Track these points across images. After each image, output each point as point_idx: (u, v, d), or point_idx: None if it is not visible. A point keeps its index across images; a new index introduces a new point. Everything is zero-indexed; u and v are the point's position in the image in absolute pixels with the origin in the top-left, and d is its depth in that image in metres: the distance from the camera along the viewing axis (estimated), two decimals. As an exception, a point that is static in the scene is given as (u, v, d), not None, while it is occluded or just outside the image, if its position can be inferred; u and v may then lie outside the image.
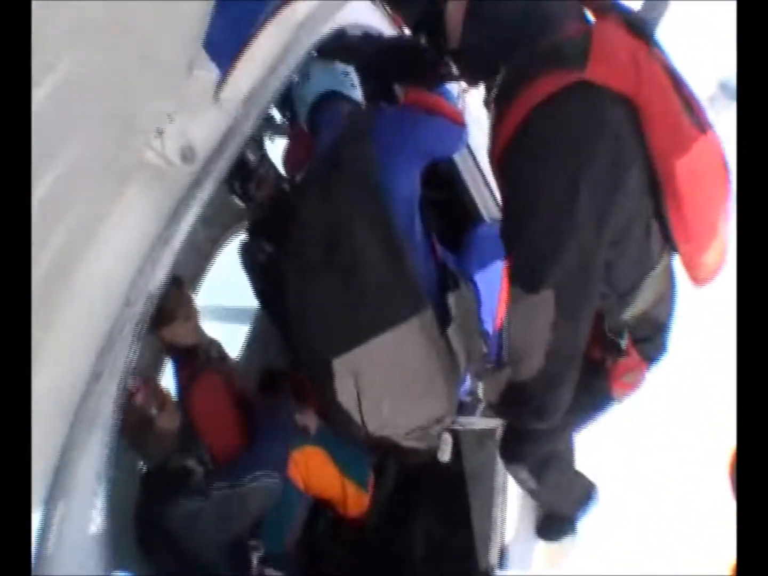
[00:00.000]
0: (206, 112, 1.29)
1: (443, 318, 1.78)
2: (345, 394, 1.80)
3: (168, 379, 2.26)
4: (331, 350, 1.76)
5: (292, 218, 1.85)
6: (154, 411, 1.90)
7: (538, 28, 1.32)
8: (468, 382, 1.92)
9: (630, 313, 1.51)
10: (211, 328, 2.86)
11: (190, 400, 2.07)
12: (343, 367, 1.76)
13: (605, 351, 1.60)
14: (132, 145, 1.15)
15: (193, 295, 2.35)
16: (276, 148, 2.40)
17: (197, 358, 2.16)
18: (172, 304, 2.03)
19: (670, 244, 1.42)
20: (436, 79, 1.72)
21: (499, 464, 2.44)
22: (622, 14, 1.35)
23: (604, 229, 1.26)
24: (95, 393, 1.12)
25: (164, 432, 1.94)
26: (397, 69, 1.88)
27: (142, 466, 2.04)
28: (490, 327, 2.03)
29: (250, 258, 2.18)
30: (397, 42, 1.83)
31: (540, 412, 1.43)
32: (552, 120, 1.23)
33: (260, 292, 2.23)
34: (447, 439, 1.99)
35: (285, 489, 2.09)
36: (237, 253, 2.26)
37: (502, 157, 1.35)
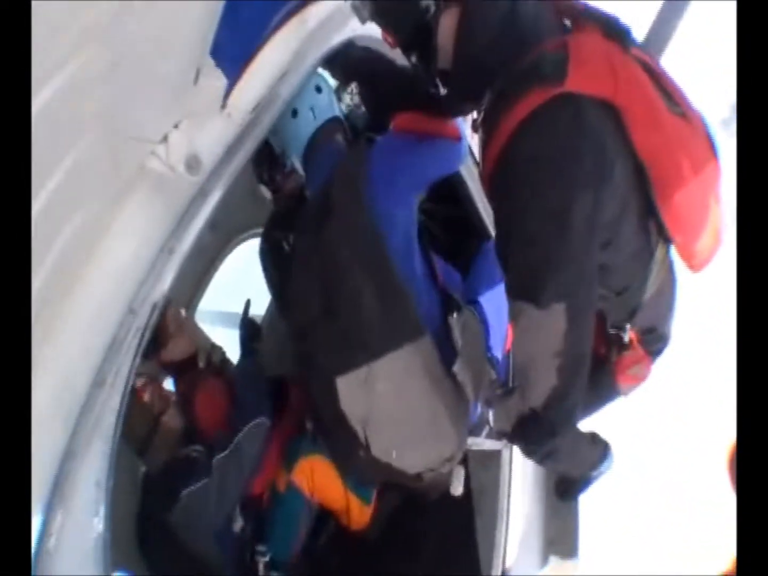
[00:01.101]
0: (213, 120, 1.28)
1: (449, 349, 1.75)
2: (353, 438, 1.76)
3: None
4: (333, 372, 1.74)
5: (289, 270, 1.86)
6: (159, 410, 1.94)
7: (517, 47, 1.35)
8: (479, 408, 1.88)
9: (632, 307, 1.52)
10: (217, 333, 2.86)
11: (193, 405, 2.07)
12: (349, 385, 1.71)
13: (609, 346, 1.60)
14: (136, 152, 1.14)
15: (182, 311, 2.31)
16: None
17: (196, 366, 2.17)
18: (163, 327, 2.03)
19: (663, 236, 1.43)
20: (436, 105, 1.67)
21: (502, 488, 2.43)
22: (597, 20, 1.38)
23: (595, 230, 1.28)
24: (98, 402, 1.11)
25: (170, 431, 1.96)
26: (398, 94, 1.86)
27: (144, 468, 2.05)
28: (499, 351, 1.99)
29: (270, 245, 2.16)
30: (399, 68, 1.80)
31: (554, 430, 1.39)
32: (536, 135, 1.26)
33: (273, 280, 2.20)
34: (460, 472, 1.95)
35: (291, 496, 2.10)
36: (260, 240, 2.22)
37: (491, 178, 1.37)
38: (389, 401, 1.71)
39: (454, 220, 2.54)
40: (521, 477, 2.55)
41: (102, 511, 1.14)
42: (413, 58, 1.48)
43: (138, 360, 1.14)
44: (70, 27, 0.97)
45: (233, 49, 1.31)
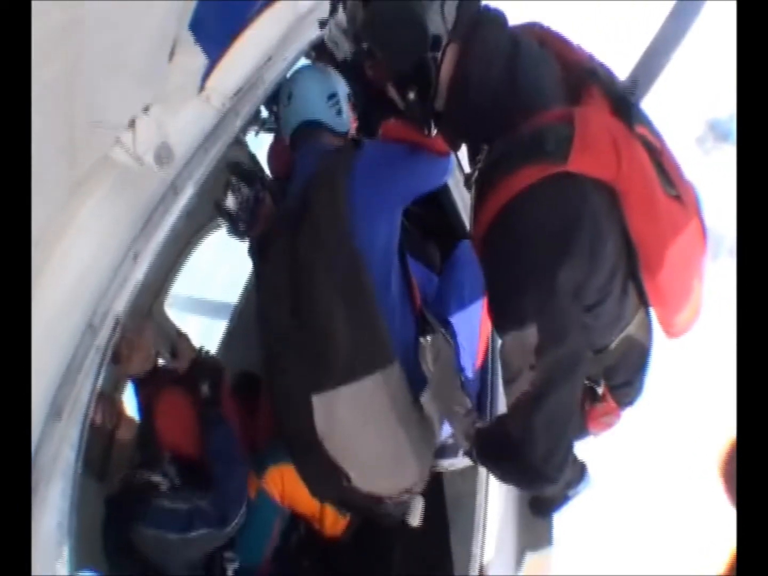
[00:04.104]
0: (188, 104, 1.15)
1: (421, 373, 1.71)
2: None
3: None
4: (310, 389, 1.70)
5: (258, 276, 1.83)
6: (110, 426, 1.90)
7: (519, 109, 1.34)
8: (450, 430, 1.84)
9: (606, 365, 1.55)
10: (189, 320, 2.75)
11: (153, 417, 2.02)
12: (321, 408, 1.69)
13: (582, 394, 1.59)
14: (98, 139, 0.99)
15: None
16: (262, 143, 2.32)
17: (156, 376, 2.10)
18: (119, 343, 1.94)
19: (644, 302, 1.47)
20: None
21: (479, 498, 2.40)
22: (605, 89, 1.38)
23: (581, 302, 1.31)
24: (55, 436, 0.98)
25: (124, 443, 1.92)
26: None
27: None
28: (470, 370, 1.96)
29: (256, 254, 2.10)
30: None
31: (552, 479, 1.34)
32: (533, 209, 1.27)
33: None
34: (418, 502, 1.93)
35: (262, 502, 2.03)
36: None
37: (483, 241, 1.37)
38: (351, 428, 1.70)
39: (434, 222, 2.53)
40: (497, 486, 2.47)
41: (65, 553, 1.03)
42: (411, 95, 1.41)
43: (98, 385, 0.99)
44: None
45: (216, 24, 1.21)
